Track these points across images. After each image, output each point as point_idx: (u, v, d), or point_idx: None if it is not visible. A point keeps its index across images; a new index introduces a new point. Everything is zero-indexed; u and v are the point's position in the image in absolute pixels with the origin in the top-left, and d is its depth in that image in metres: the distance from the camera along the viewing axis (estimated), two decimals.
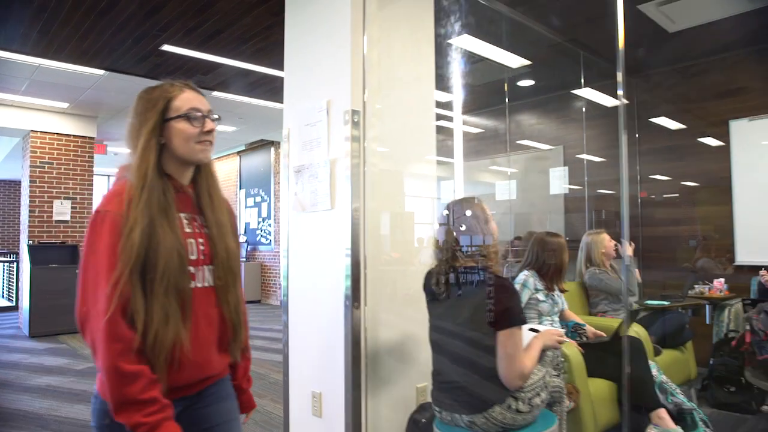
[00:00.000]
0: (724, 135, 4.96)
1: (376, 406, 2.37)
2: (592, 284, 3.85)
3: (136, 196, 1.22)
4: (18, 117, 7.08)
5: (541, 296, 3.07)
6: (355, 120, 2.33)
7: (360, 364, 2.30)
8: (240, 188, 11.09)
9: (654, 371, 3.08)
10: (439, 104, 6.59)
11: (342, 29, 2.40)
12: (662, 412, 2.71)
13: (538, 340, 2.05)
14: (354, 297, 2.29)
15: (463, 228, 2.11)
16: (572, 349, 2.72)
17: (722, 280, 4.20)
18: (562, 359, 2.65)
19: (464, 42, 4.69)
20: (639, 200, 5.49)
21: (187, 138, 1.32)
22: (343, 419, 2.30)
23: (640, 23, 4.16)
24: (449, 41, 4.96)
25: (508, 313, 1.88)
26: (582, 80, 5.38)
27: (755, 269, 4.29)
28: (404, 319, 2.47)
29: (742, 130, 4.85)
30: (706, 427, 2.96)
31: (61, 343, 6.44)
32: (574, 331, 3.24)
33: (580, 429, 2.61)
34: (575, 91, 5.65)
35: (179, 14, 3.97)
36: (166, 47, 4.63)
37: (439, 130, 6.69)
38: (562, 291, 3.27)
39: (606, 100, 5.52)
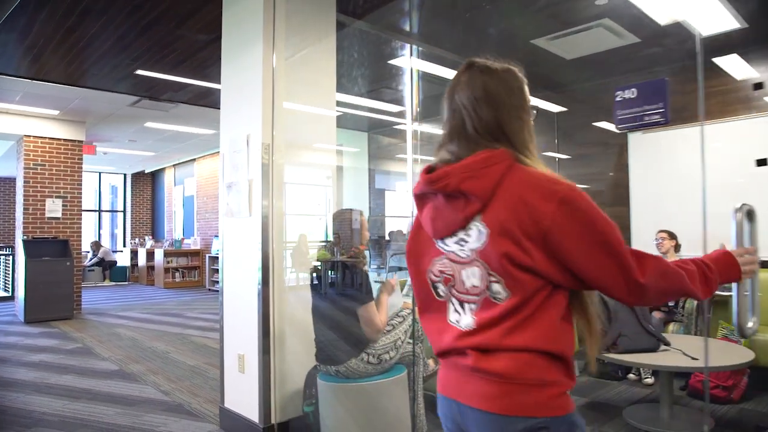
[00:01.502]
0: (625, 145, 5.75)
1: (283, 364, 3.16)
2: None
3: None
4: (12, 123, 7.81)
5: None
6: (265, 151, 3.11)
7: (269, 332, 3.09)
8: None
9: None
10: (391, 113, 7.36)
11: (255, 81, 3.17)
12: None
13: (382, 293, 2.85)
14: (264, 281, 3.08)
15: (339, 232, 2.90)
16: None
17: None
18: None
19: (403, 62, 5.48)
20: None
21: None
22: (257, 374, 3.10)
23: (540, 54, 4.94)
24: (390, 62, 5.76)
25: (363, 291, 2.69)
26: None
27: None
28: (304, 299, 3.26)
29: (638, 142, 5.63)
30: None
31: (53, 327, 7.20)
32: None
33: None
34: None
35: (147, 48, 4.73)
36: (140, 72, 5.39)
37: (396, 134, 7.41)
38: None
39: (552, 107, 6.33)
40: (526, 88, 1.22)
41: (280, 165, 3.18)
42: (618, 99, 2.07)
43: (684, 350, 3.30)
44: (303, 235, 10.90)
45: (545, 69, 5.61)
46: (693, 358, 3.17)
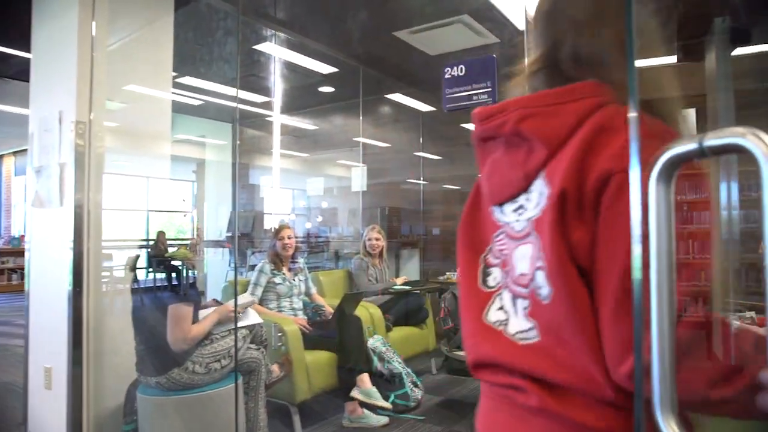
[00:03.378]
0: None
1: (99, 379, 2.73)
2: (353, 269, 4.50)
3: None
4: None
5: (278, 279, 3.59)
6: (80, 131, 2.67)
7: (81, 342, 2.66)
8: None
9: (378, 344, 3.73)
10: (255, 104, 6.99)
11: (69, 50, 2.72)
12: (365, 377, 3.35)
13: (214, 313, 2.54)
14: (76, 283, 2.64)
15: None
16: (291, 326, 3.26)
17: None
18: (281, 334, 3.19)
19: (268, 48, 5.15)
20: (422, 196, 6.30)
21: None
22: (65, 390, 2.65)
23: (403, 48, 4.86)
24: (255, 47, 5.41)
25: (182, 292, 2.37)
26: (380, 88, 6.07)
27: None
28: (125, 304, 2.86)
29: None
30: (415, 387, 3.66)
31: None
32: (314, 311, 3.82)
33: (291, 393, 3.16)
34: (390, 96, 6.33)
35: None
36: None
37: (264, 126, 7.03)
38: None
39: (419, 106, 6.28)
40: None
41: (99, 148, 2.75)
42: (447, 77, 1.95)
43: None
44: (161, 233, 10.06)
45: (411, 64, 5.58)
46: None
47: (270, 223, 8.33)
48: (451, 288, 3.63)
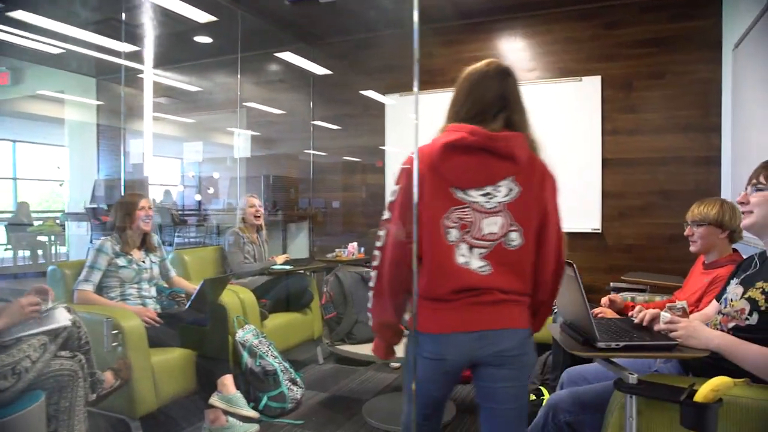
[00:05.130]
0: (381, 108, 5.33)
1: None
2: (225, 246, 3.85)
3: None
4: None
5: (122, 261, 2.89)
6: None
7: None
8: None
9: (249, 336, 3.14)
10: (121, 55, 5.97)
11: None
12: (227, 379, 2.76)
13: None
14: None
15: None
16: (131, 321, 2.59)
17: (356, 243, 4.52)
18: (116, 331, 2.52)
19: None
20: (311, 166, 5.69)
21: None
22: None
23: None
24: None
25: None
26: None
27: None
28: None
29: (394, 105, 5.26)
30: (293, 385, 3.12)
31: None
32: (171, 298, 3.15)
33: (131, 405, 2.51)
34: (279, 54, 5.59)
35: None
36: None
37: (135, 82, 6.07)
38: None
39: (312, 67, 5.58)
40: None
41: None
42: None
43: None
44: (23, 203, 8.69)
45: (297, 15, 4.91)
46: None
47: (155, 194, 7.39)
48: (335, 270, 3.10)
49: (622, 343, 1.53)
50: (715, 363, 1.57)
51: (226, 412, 2.71)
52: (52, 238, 7.53)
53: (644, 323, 1.75)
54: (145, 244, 3.07)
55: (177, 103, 7.03)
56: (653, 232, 4.38)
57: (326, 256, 4.52)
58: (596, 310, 2.86)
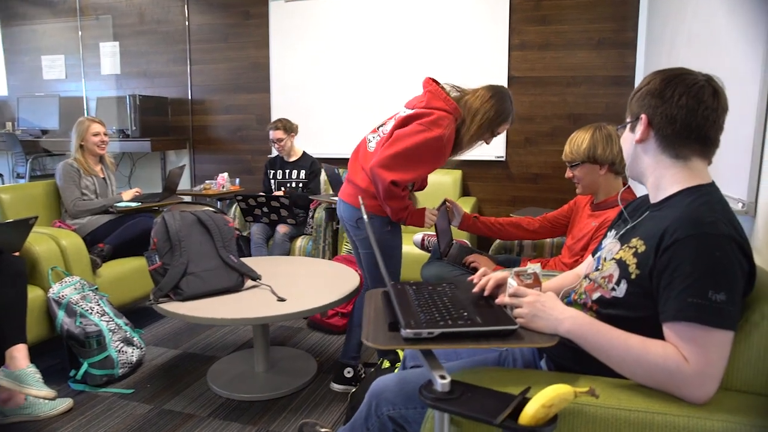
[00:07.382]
0: (264, 16, 4.60)
1: None
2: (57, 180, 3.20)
3: None
4: None
5: None
6: None
7: None
8: None
9: (68, 290, 2.57)
10: None
11: None
12: (16, 350, 2.20)
13: None
14: None
15: None
16: None
17: (226, 174, 3.92)
18: None
19: None
20: (190, 89, 4.92)
21: None
22: None
23: None
24: None
25: None
26: None
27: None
28: None
29: (280, 10, 4.53)
30: (128, 346, 2.61)
31: None
32: None
33: None
34: None
35: None
36: None
37: None
38: None
39: None
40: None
41: None
42: None
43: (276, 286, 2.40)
44: None
45: None
46: (280, 299, 2.28)
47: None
48: (164, 211, 2.52)
49: (437, 331, 1.08)
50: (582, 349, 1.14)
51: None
52: None
53: (486, 292, 1.31)
54: None
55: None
56: (560, 161, 3.99)
57: (192, 189, 3.91)
58: (470, 258, 2.46)
